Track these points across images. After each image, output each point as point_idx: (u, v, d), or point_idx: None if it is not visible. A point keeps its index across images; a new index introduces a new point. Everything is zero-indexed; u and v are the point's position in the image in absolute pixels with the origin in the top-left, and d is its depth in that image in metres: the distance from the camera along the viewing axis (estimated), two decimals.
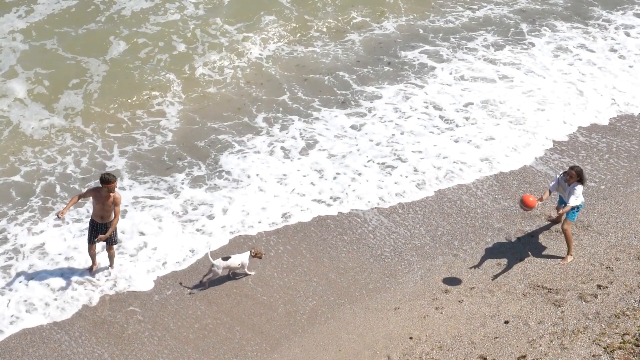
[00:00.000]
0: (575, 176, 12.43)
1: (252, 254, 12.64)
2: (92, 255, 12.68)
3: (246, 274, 12.78)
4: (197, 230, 13.67)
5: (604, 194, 14.18)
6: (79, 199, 12.29)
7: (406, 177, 14.89)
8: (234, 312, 12.20)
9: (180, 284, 12.68)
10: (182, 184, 14.75)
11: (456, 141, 15.70)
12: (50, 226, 13.69)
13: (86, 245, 12.73)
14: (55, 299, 12.38)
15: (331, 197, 14.35)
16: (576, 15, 19.95)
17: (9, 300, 12.34)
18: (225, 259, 12.58)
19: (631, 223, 13.48)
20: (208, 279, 12.64)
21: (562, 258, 12.79)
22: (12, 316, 12.13)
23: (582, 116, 16.43)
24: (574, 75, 17.75)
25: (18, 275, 12.74)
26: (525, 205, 12.16)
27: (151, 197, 14.43)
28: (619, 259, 12.69)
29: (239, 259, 12.63)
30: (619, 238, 13.16)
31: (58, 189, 14.58)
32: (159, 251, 13.26)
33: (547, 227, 13.46)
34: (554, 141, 15.62)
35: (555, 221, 13.44)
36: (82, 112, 16.50)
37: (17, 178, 14.77)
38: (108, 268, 12.83)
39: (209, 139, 15.91)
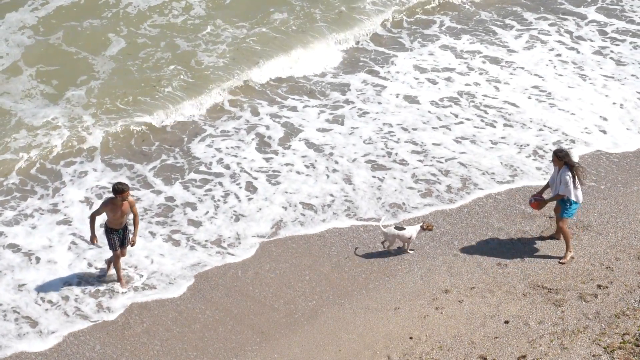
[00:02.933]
0: (557, 160, 12.37)
1: (424, 227, 12.86)
2: (119, 265, 12.53)
3: (408, 250, 13.03)
4: (190, 241, 13.58)
5: (604, 194, 14.17)
6: (95, 217, 12.23)
7: (401, 179, 14.74)
8: (233, 311, 12.19)
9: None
10: (156, 177, 14.76)
11: (458, 141, 15.68)
12: (24, 219, 13.81)
13: (105, 256, 12.86)
14: (55, 309, 12.33)
15: (323, 205, 14.23)
16: (541, 6, 19.99)
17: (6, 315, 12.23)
18: (399, 228, 12.85)
19: (631, 223, 13.47)
20: (388, 247, 13.02)
21: (562, 257, 12.77)
22: (12, 333, 12.00)
23: (577, 113, 16.46)
24: (554, 70, 17.79)
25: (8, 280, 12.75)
26: (532, 208, 13.02)
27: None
28: (619, 259, 12.68)
29: (410, 232, 12.87)
30: (619, 238, 13.15)
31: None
32: (150, 256, 13.26)
33: (547, 227, 13.44)
34: (557, 142, 15.64)
35: (555, 237, 13.27)
36: (75, 98, 16.66)
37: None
38: (106, 270, 12.86)
39: (176, 121, 15.97)
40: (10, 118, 16.09)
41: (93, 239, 12.31)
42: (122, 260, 12.65)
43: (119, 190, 11.96)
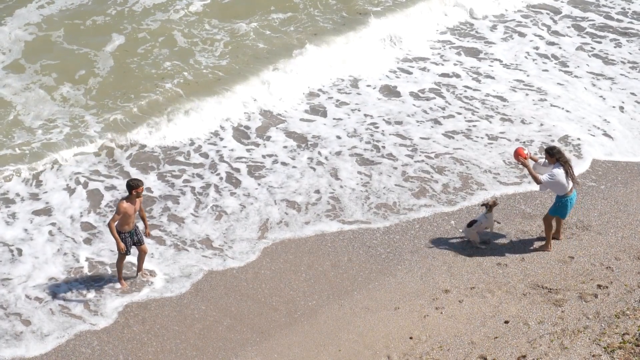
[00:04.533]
0: (549, 157, 12.38)
1: (488, 210, 12.90)
2: (122, 265, 12.47)
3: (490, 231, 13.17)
4: (177, 244, 13.54)
5: (604, 194, 14.17)
6: (114, 224, 12.00)
7: (389, 175, 14.62)
8: (233, 311, 12.18)
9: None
10: (132, 166, 14.84)
11: (449, 136, 15.60)
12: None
13: (107, 259, 12.89)
14: (53, 313, 12.32)
15: (308, 203, 14.20)
16: None
17: None
18: (471, 224, 12.95)
19: (631, 223, 13.47)
20: (474, 242, 13.11)
21: (544, 247, 12.92)
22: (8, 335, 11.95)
23: (565, 106, 16.48)
24: (536, 64, 17.85)
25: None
26: (517, 154, 12.55)
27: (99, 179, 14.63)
28: (619, 259, 12.68)
29: (485, 220, 12.95)
30: (619, 238, 13.14)
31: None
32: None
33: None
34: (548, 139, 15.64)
35: (555, 237, 13.18)
36: (72, 94, 16.74)
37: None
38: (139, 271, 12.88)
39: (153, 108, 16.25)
40: (9, 111, 16.20)
41: (121, 246, 12.02)
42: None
43: (134, 185, 11.86)
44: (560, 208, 12.54)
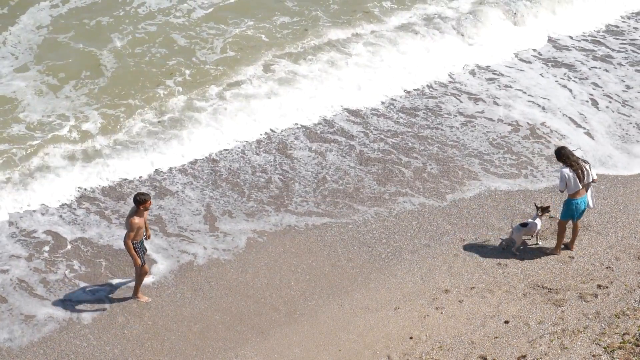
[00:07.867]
0: (557, 158, 12.41)
1: (539, 214, 12.71)
2: (143, 279, 12.38)
3: (537, 242, 12.96)
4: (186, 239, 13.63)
5: (604, 194, 14.17)
6: (132, 240, 11.92)
7: (343, 156, 14.45)
8: (233, 311, 12.18)
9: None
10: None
11: (411, 114, 15.52)
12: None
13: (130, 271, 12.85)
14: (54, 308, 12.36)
15: (254, 186, 14.17)
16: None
17: None
18: (524, 225, 12.74)
19: (631, 223, 13.47)
20: (505, 243, 13.02)
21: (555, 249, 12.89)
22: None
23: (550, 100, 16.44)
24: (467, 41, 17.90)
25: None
26: None
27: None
28: (619, 259, 12.68)
29: (538, 224, 12.76)
30: (619, 238, 13.14)
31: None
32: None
33: (547, 227, 13.43)
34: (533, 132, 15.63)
35: (566, 246, 13.10)
36: (74, 93, 16.78)
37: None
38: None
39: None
40: (9, 108, 16.25)
41: (138, 262, 11.93)
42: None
43: (142, 201, 11.79)
44: (567, 210, 12.52)
